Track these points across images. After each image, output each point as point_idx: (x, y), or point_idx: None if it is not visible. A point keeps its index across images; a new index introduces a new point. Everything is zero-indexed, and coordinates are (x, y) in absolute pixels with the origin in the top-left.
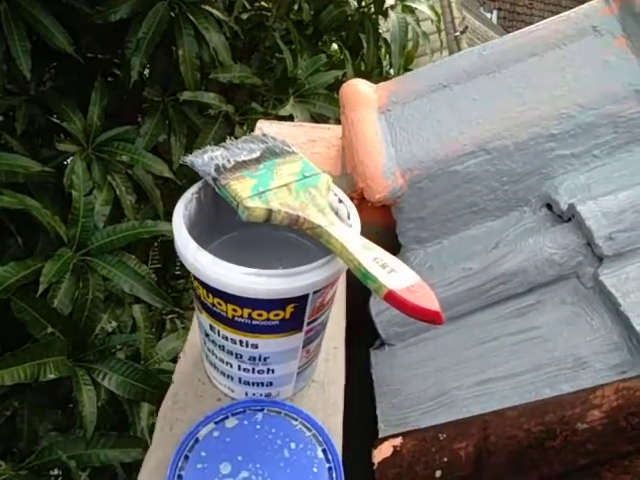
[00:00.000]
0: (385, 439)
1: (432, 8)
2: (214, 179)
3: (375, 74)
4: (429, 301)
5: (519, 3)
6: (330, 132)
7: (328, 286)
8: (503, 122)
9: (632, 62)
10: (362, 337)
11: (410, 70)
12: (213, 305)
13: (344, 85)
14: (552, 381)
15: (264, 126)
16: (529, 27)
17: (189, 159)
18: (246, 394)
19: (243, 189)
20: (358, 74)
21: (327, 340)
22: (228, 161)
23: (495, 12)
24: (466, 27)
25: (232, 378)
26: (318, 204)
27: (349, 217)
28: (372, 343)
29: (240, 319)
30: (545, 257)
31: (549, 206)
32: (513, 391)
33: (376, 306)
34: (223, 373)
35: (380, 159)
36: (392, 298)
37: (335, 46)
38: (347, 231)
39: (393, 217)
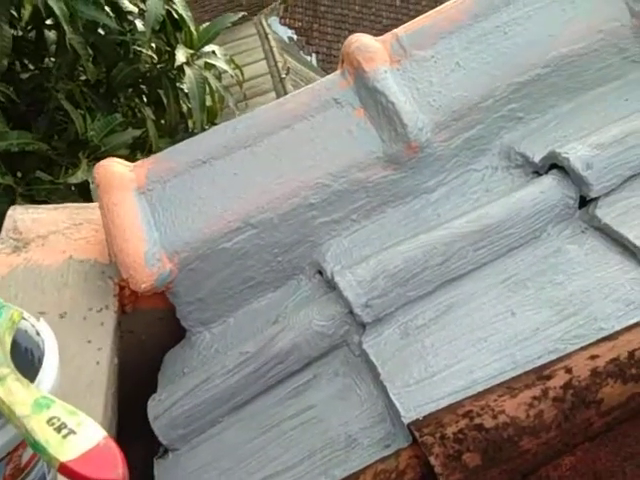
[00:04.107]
0: None
1: (231, 62)
2: None
3: (181, 130)
4: (109, 469)
5: (334, 47)
6: (99, 212)
7: (18, 448)
8: (264, 195)
9: (370, 131)
10: (147, 437)
11: (216, 124)
12: None
13: (96, 167)
14: (326, 467)
15: (17, 214)
16: (278, 100)
17: None
18: None
19: None
20: (162, 131)
21: None
22: None
23: (314, 55)
24: (288, 69)
25: None
26: None
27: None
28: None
29: None
30: (315, 330)
31: (321, 272)
32: None
33: (154, 408)
34: None
35: (141, 245)
36: (66, 471)
37: None
38: (19, 387)
39: None
